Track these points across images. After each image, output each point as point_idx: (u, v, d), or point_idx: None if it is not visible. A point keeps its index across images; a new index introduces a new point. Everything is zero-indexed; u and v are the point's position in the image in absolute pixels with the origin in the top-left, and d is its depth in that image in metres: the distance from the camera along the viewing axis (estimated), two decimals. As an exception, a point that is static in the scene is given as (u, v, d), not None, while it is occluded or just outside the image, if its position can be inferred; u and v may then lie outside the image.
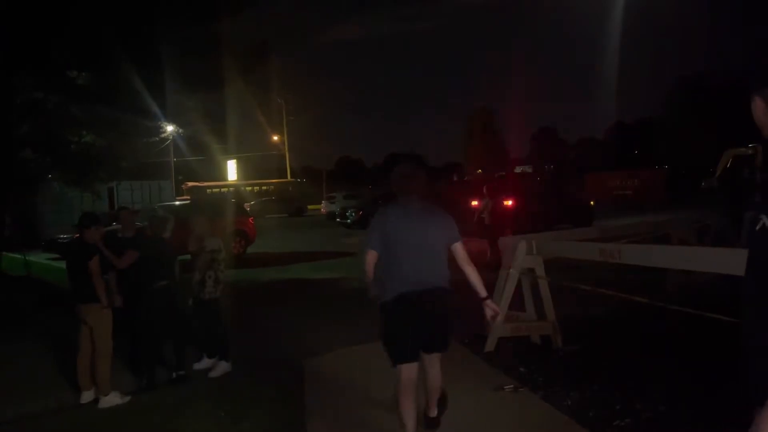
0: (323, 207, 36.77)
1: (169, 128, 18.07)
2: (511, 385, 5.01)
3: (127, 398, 5.37)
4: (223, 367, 5.95)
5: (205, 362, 6.13)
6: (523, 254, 6.00)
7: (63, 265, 16.10)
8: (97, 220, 5.63)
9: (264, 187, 44.05)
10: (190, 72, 10.29)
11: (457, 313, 4.00)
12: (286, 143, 51.52)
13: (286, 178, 48.94)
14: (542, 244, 6.14)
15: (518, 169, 40.22)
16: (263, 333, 7.48)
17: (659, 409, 4.41)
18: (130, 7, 8.95)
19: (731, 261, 4.12)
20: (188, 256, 6.36)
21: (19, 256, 15.68)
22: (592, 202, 21.05)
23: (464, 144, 58.77)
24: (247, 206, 25.53)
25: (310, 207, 42.32)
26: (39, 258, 17.51)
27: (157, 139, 16.09)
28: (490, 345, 6.04)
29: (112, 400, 5.27)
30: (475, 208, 19.08)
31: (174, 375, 5.85)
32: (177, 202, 21.60)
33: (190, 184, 39.23)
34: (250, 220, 17.20)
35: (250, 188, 43.52)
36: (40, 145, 12.10)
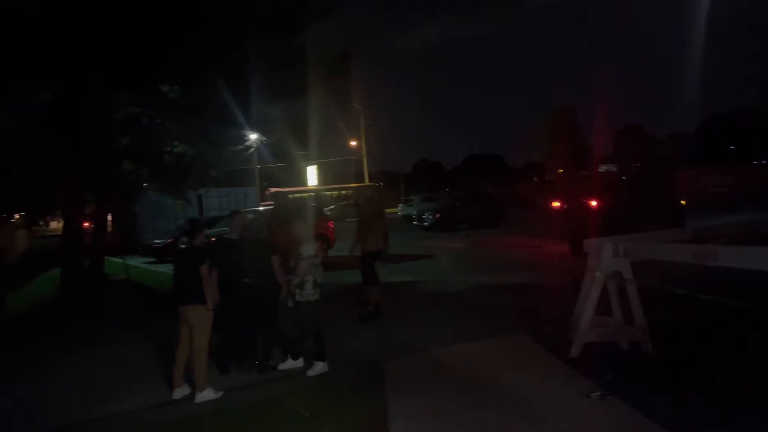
0: (399, 210, 36.96)
1: (254, 136, 18.79)
2: (598, 393, 4.84)
3: (220, 393, 5.67)
4: (320, 367, 6.14)
5: (289, 363, 6.34)
6: (609, 257, 5.80)
7: (159, 269, 17.13)
8: (203, 226, 6.29)
9: (343, 192, 44.83)
10: (273, 82, 10.67)
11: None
12: (364, 148, 52.15)
13: (365, 182, 49.56)
14: (629, 246, 5.91)
15: (602, 168, 38.67)
16: (345, 334, 7.58)
17: (758, 421, 4.14)
18: (217, 24, 9.42)
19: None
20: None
21: (119, 260, 16.85)
22: (683, 201, 19.91)
23: (545, 143, 57.23)
24: (327, 210, 26.13)
25: (387, 210, 42.65)
26: (136, 262, 18.69)
27: (243, 147, 16.78)
28: (575, 350, 5.87)
29: (207, 395, 5.58)
30: (556, 209, 18.64)
31: (256, 363, 6.33)
32: (261, 208, 22.40)
33: (274, 189, 40.56)
34: (330, 224, 17.57)
35: (329, 193, 44.43)
36: (137, 156, 12.94)
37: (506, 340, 6.79)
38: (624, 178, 27.31)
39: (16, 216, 23.30)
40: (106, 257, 14.44)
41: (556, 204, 18.49)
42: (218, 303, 5.90)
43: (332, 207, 37.07)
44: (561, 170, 48.10)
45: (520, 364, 5.87)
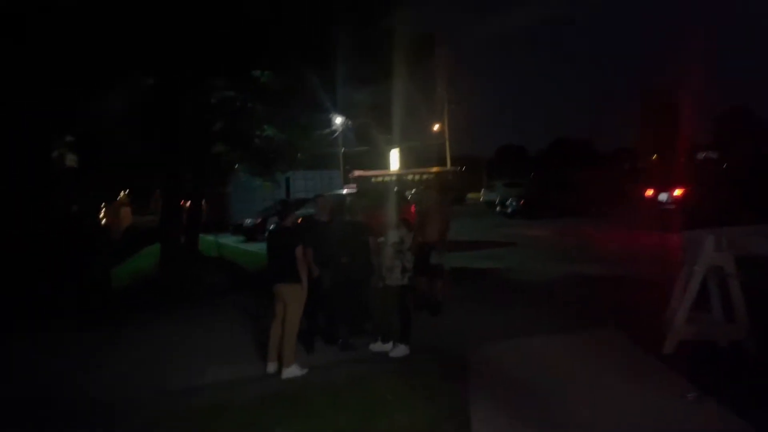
0: (482, 195, 36.43)
1: (339, 120, 19.14)
2: (695, 394, 4.59)
3: (305, 370, 5.87)
4: (402, 349, 6.23)
5: (378, 345, 6.45)
6: (711, 250, 5.45)
7: (248, 247, 17.84)
8: (294, 208, 6.81)
9: (425, 176, 44.67)
10: (359, 67, 10.82)
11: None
12: (446, 132, 51.73)
13: (446, 166, 49.16)
14: (733, 239, 5.54)
15: (701, 155, 36.25)
16: (423, 320, 7.51)
17: None
18: (307, 10, 9.63)
19: None
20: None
21: (211, 238, 17.76)
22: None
23: (638, 128, 54.34)
24: (408, 195, 26.16)
25: (470, 196, 42.17)
26: (227, 240, 19.59)
27: (329, 131, 17.16)
28: (669, 347, 5.59)
29: (293, 371, 5.80)
30: (649, 198, 17.67)
31: (340, 341, 6.58)
32: (345, 191, 22.79)
33: (357, 173, 41.10)
34: (412, 208, 17.58)
35: (411, 177, 44.39)
36: (230, 140, 13.54)
37: (593, 333, 6.57)
38: (725, 165, 25.49)
39: (122, 194, 25.07)
40: (200, 235, 15.23)
41: (649, 192, 17.53)
42: (316, 279, 6.22)
43: (414, 191, 37.04)
44: (655, 157, 45.56)
45: (607, 359, 5.67)
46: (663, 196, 16.58)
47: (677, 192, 16.09)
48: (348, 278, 6.63)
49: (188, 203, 15.44)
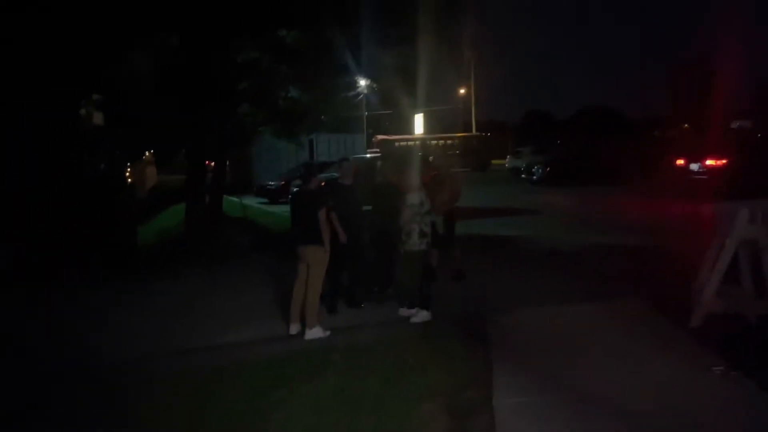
0: (507, 162, 35.89)
1: (363, 83, 18.94)
2: (721, 367, 4.51)
3: (328, 332, 5.93)
4: (424, 315, 6.24)
5: (403, 311, 6.47)
6: (745, 223, 5.29)
7: (272, 209, 18.01)
8: (317, 171, 6.77)
9: (449, 141, 44.12)
10: (385, 27, 10.59)
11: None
12: (473, 97, 50.93)
13: (471, 131, 48.53)
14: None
15: (734, 124, 35.11)
16: (446, 287, 7.47)
17: None
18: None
19: None
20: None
21: (236, 199, 17.88)
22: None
23: (670, 96, 52.73)
24: (431, 159, 25.88)
25: (494, 162, 41.64)
26: (250, 202, 19.72)
27: (353, 93, 16.97)
28: (696, 320, 5.49)
29: (316, 333, 5.85)
30: (681, 167, 17.26)
31: (362, 305, 6.80)
32: (368, 155, 22.65)
33: (380, 137, 40.78)
34: (435, 173, 17.42)
35: (435, 142, 43.89)
36: (254, 100, 13.46)
37: (617, 303, 6.49)
38: (759, 135, 24.69)
39: (147, 154, 25.28)
40: (224, 196, 15.33)
41: (680, 161, 17.11)
42: (344, 242, 6.29)
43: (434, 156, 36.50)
44: (686, 125, 44.33)
45: (632, 330, 5.60)
46: (694, 166, 16.20)
47: (709, 161, 15.68)
48: (377, 241, 6.74)
49: (213, 164, 15.52)
